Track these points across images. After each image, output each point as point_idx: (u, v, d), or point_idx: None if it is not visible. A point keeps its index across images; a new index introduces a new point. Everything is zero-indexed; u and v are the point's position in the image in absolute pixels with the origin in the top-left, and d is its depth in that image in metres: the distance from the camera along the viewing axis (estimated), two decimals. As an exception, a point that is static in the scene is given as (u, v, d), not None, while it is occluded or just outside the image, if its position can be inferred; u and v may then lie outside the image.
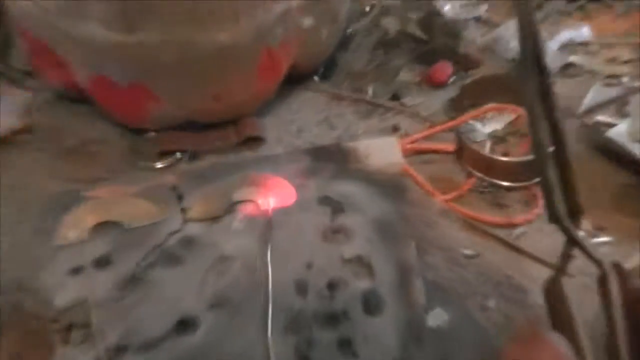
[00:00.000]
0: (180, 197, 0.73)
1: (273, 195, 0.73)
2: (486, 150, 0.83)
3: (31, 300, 0.62)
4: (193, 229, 0.69)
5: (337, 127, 0.89)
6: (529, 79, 0.52)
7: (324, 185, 0.74)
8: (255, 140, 0.86)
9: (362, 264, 0.65)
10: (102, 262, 0.66)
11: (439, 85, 0.96)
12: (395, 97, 0.94)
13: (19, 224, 0.72)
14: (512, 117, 0.88)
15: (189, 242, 0.68)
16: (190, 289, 0.63)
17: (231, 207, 0.71)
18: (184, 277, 0.64)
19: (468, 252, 0.69)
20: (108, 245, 0.68)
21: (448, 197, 0.77)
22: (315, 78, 0.98)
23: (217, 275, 0.64)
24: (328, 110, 0.92)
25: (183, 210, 0.72)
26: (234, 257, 0.65)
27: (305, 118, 0.90)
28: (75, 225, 0.70)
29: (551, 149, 0.53)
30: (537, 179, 0.55)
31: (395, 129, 0.89)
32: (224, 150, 0.85)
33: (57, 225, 0.70)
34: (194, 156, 0.84)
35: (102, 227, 0.70)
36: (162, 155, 0.83)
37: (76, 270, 0.65)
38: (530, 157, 0.76)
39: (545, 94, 0.52)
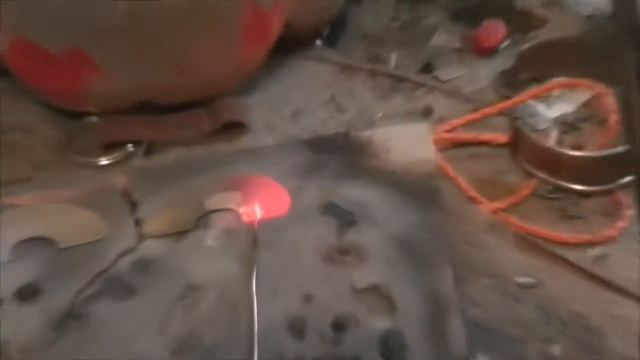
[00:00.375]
0: (133, 205, 0.74)
1: (259, 202, 0.74)
2: (552, 141, 0.84)
3: None
4: (151, 248, 0.70)
5: (347, 110, 0.90)
6: (624, 48, 0.52)
7: (328, 188, 0.75)
8: (235, 128, 0.86)
9: (379, 296, 0.65)
10: (28, 293, 0.66)
11: (487, 52, 0.97)
12: (427, 68, 0.95)
13: None
14: (587, 96, 0.88)
15: (145, 266, 0.69)
16: (147, 329, 0.63)
17: (203, 219, 0.72)
18: (139, 313, 0.65)
19: (525, 280, 0.69)
20: (35, 270, 0.68)
21: (498, 205, 0.78)
22: (318, 43, 0.99)
23: (184, 311, 0.65)
24: (335, 86, 0.93)
25: (138, 223, 0.73)
26: (206, 286, 0.66)
27: (304, 97, 0.91)
28: (-10, 244, 0.71)
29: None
30: (625, 181, 0.55)
31: (426, 112, 0.89)
32: (193, 141, 0.85)
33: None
34: (151, 149, 0.85)
35: (26, 245, 0.71)
36: (108, 147, 0.84)
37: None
38: (614, 150, 0.77)
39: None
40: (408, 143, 0.79)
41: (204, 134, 0.86)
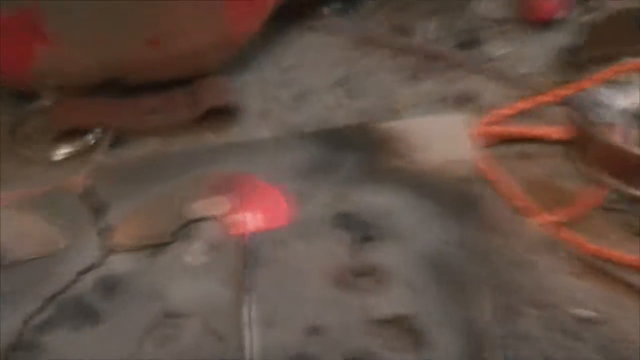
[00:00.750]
0: (97, 211, 0.78)
1: (254, 209, 0.77)
2: (619, 138, 0.85)
3: None
4: (119, 264, 0.74)
5: (362, 95, 0.93)
6: None
7: (340, 194, 0.78)
8: (221, 115, 0.90)
9: (402, 329, 0.68)
10: None
11: (542, 23, 1.00)
12: (465, 43, 0.98)
13: None
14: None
15: (112, 287, 0.73)
16: None
17: (182, 230, 0.76)
18: (103, 345, 0.68)
19: (585, 312, 0.71)
20: None
21: (553, 217, 0.80)
22: (327, 10, 1.02)
23: (159, 344, 0.68)
24: (348, 64, 0.96)
25: (102, 233, 0.76)
26: (187, 314, 0.70)
27: (307, 78, 0.95)
28: None
29: None
30: None
31: (464, 100, 0.92)
32: (170, 130, 0.89)
33: None
34: (118, 140, 0.88)
35: None
36: (65, 137, 0.88)
37: None
38: None
39: None
40: (441, 139, 0.82)
41: (183, 122, 0.90)
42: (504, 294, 0.71)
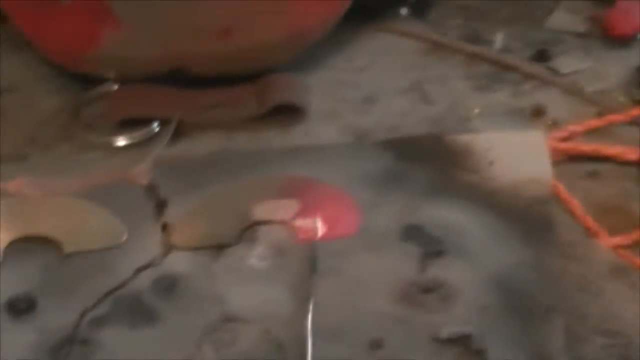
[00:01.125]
0: (160, 206, 0.77)
1: (321, 216, 0.76)
2: None
3: None
4: (180, 264, 0.72)
5: (435, 101, 0.91)
6: None
7: (412, 207, 0.76)
8: (287, 113, 0.89)
9: (468, 349, 0.65)
10: (19, 308, 0.68)
11: (620, 40, 0.98)
12: (540, 55, 0.97)
13: None
14: None
15: (171, 286, 0.70)
16: None
17: (247, 232, 0.74)
18: (159, 346, 0.66)
19: None
20: (29, 280, 0.70)
21: (624, 241, 0.78)
22: (403, 11, 1.01)
23: (216, 348, 0.66)
24: (421, 69, 0.94)
25: (165, 229, 0.75)
26: (247, 319, 0.67)
27: (379, 80, 0.93)
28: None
29: None
30: None
31: (537, 113, 0.91)
32: (233, 125, 0.88)
33: None
34: (180, 132, 0.87)
35: (21, 247, 0.73)
36: (126, 125, 0.87)
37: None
38: None
39: None
40: (518, 155, 0.81)
41: (246, 118, 0.88)
42: (570, 319, 0.69)
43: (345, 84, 0.94)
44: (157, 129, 0.87)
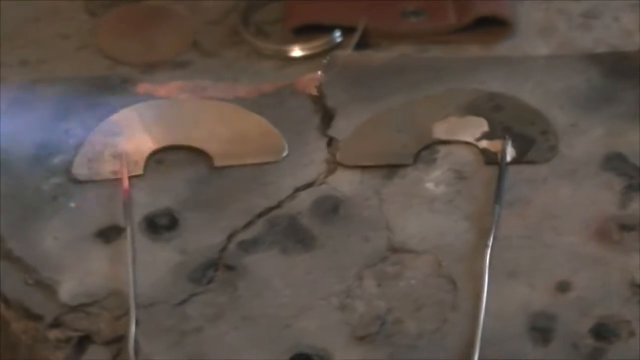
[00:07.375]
0: (328, 119, 0.73)
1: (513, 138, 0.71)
2: None
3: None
4: (344, 184, 0.69)
5: None
6: None
7: (618, 132, 0.71)
8: (494, 27, 0.86)
9: None
10: (160, 225, 0.67)
11: None
12: None
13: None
14: None
15: (333, 209, 0.67)
16: (323, 300, 0.62)
17: (426, 151, 0.71)
18: (314, 276, 0.64)
19: None
20: (172, 194, 0.69)
21: None
22: None
23: (381, 281, 0.63)
24: None
25: (330, 145, 0.72)
26: (418, 250, 0.64)
27: None
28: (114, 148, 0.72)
29: None
30: None
31: None
32: (428, 37, 0.85)
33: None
34: (366, 42, 0.85)
35: (165, 156, 0.72)
36: (303, 32, 0.85)
37: (104, 234, 0.66)
38: None
39: None
40: None
41: (445, 29, 0.86)
42: None
43: (567, -3, 0.90)
44: (338, 39, 0.86)
